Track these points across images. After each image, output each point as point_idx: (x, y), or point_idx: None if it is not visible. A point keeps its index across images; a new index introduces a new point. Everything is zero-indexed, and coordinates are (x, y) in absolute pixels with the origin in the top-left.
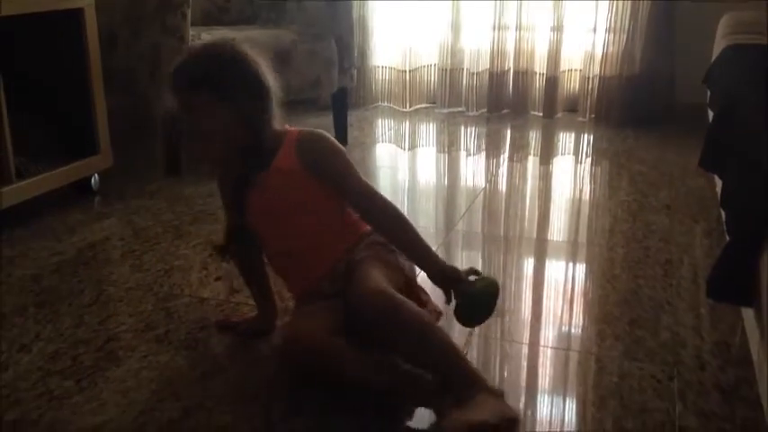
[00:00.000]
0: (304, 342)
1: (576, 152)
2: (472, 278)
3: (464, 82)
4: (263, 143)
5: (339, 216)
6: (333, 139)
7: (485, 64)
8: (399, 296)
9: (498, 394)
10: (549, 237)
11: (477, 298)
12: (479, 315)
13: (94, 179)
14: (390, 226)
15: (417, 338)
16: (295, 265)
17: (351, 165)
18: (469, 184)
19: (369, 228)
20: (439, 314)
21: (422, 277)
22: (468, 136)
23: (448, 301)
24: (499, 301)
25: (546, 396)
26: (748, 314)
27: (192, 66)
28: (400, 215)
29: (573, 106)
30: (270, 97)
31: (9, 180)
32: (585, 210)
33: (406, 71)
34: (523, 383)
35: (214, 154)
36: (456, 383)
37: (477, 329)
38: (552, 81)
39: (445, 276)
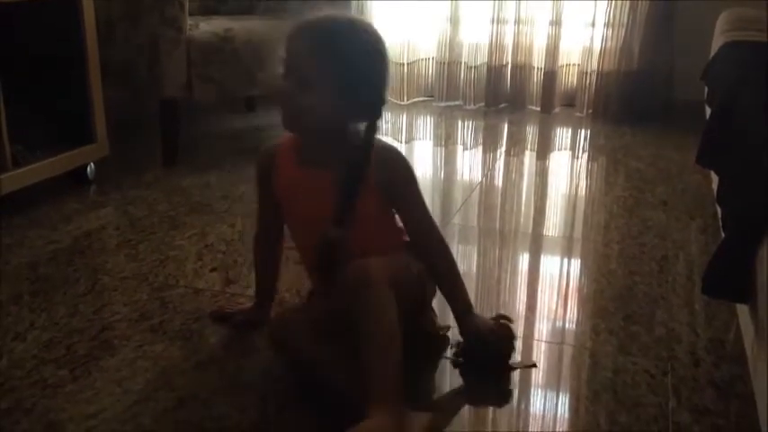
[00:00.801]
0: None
1: (573, 147)
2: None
3: (462, 75)
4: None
5: (390, 225)
6: (408, 163)
7: (483, 58)
8: (382, 281)
9: (400, 417)
10: (545, 232)
11: (481, 348)
12: (476, 361)
13: (90, 168)
14: (438, 258)
15: (371, 324)
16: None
17: (419, 189)
18: (466, 177)
19: (404, 240)
20: (447, 326)
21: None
22: (466, 130)
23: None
24: (495, 297)
25: (540, 390)
26: (743, 311)
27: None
28: (448, 251)
29: (570, 101)
30: None
31: (5, 168)
32: (581, 205)
33: (403, 64)
34: (517, 377)
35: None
36: (370, 393)
37: None
38: (550, 76)
39: (471, 322)
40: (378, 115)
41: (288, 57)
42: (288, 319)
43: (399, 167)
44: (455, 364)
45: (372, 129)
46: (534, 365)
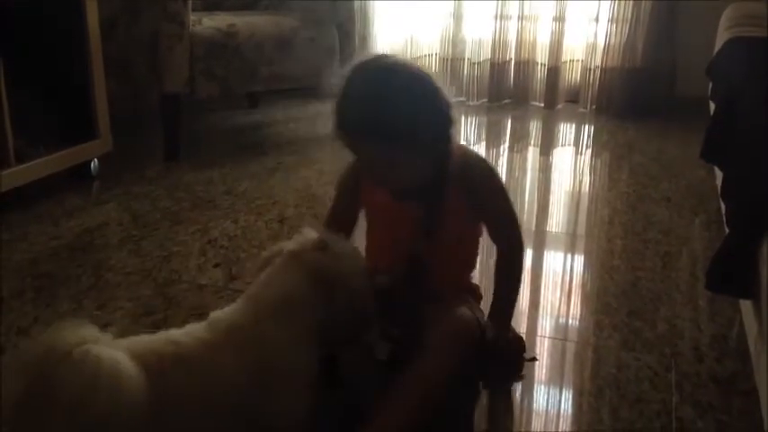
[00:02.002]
0: None
1: (577, 143)
2: None
3: (465, 72)
4: None
5: (471, 252)
6: (493, 168)
7: (486, 54)
8: (465, 349)
9: None
10: (549, 228)
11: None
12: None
13: (94, 164)
14: (509, 265)
15: (428, 378)
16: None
17: (505, 197)
18: None
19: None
20: None
21: None
22: (469, 126)
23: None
24: None
25: (543, 386)
26: (746, 307)
27: None
28: (521, 262)
29: (574, 97)
30: None
31: (8, 164)
32: (585, 201)
33: None
34: (521, 373)
35: None
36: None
37: None
38: (554, 71)
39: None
40: (449, 142)
41: (367, 135)
42: None
43: (482, 181)
44: None
45: (447, 155)
46: (535, 359)
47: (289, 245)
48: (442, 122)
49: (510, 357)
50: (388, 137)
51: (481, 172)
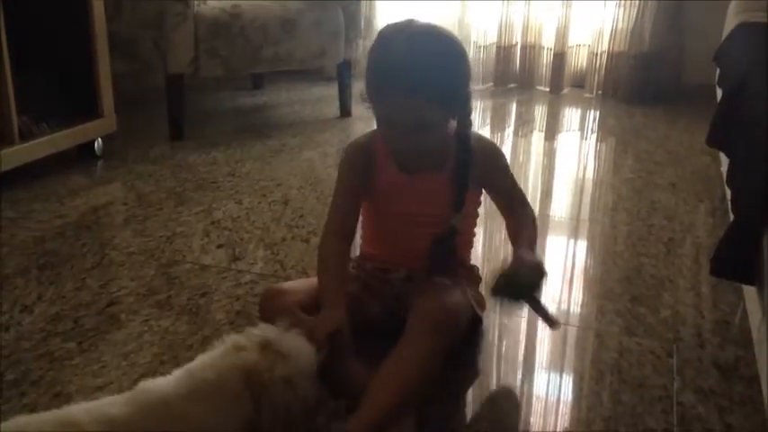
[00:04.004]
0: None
1: (582, 128)
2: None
3: (471, 55)
4: None
5: (473, 228)
6: (501, 151)
7: (492, 37)
8: (454, 335)
9: None
10: (553, 213)
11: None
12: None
13: (98, 143)
14: (522, 227)
15: (415, 361)
16: (410, 236)
17: (512, 176)
18: None
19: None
20: None
21: None
22: (474, 110)
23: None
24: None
25: (543, 370)
26: (750, 293)
27: None
28: (532, 224)
29: (580, 82)
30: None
31: (12, 141)
32: (590, 186)
33: None
34: (521, 357)
35: None
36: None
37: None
38: (560, 56)
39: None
40: (470, 110)
41: (411, 93)
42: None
43: (496, 161)
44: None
45: (468, 124)
46: (558, 326)
47: (237, 337)
48: (468, 85)
49: (523, 271)
50: (430, 95)
51: (491, 151)
